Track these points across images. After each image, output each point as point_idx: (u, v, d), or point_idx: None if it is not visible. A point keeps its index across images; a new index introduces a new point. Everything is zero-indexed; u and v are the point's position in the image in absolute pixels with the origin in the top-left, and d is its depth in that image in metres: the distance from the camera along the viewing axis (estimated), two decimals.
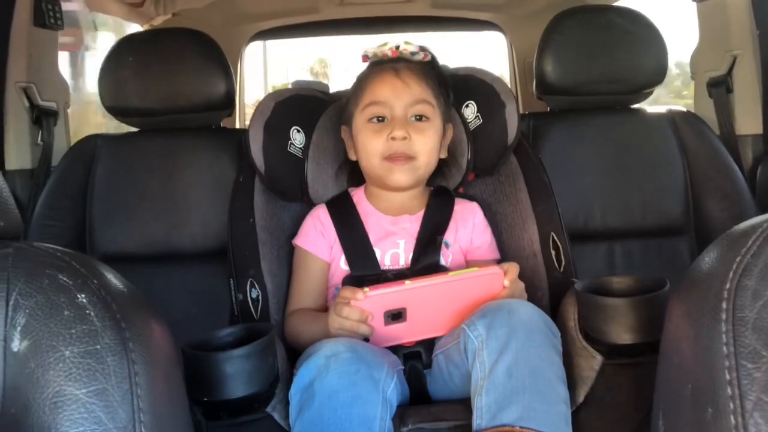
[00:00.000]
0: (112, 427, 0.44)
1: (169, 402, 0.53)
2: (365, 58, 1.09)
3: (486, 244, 1.11)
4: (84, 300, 0.48)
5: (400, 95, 1.03)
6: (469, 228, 1.10)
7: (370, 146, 1.04)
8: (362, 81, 1.08)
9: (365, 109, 1.05)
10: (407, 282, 0.87)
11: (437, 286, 0.88)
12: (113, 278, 0.53)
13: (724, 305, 0.46)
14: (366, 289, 0.86)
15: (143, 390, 0.47)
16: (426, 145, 1.04)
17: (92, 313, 0.47)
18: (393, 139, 1.01)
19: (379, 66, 1.07)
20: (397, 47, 1.06)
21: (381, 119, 1.04)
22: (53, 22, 1.46)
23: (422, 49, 1.07)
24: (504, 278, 0.89)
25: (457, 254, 1.09)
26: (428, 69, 1.08)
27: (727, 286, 0.47)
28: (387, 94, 1.03)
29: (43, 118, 1.48)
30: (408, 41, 1.07)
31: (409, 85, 1.03)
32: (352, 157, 1.10)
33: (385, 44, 1.07)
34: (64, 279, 0.48)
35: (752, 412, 0.42)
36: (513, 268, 0.92)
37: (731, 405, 0.43)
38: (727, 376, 0.44)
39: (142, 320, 0.52)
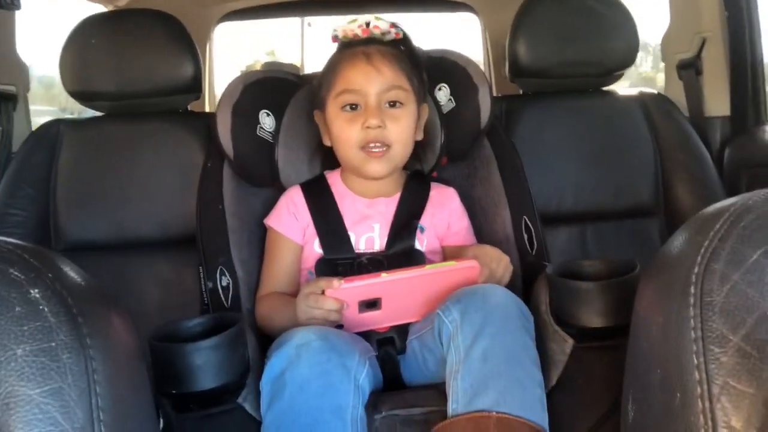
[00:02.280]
0: (69, 428, 0.42)
1: (132, 397, 0.52)
2: (335, 38, 1.07)
3: (464, 229, 1.11)
4: (37, 295, 0.45)
5: (373, 82, 1.00)
6: (445, 213, 1.10)
7: (345, 135, 1.02)
8: (333, 66, 1.05)
9: (338, 97, 1.02)
10: (383, 274, 0.86)
11: (413, 279, 0.88)
12: (70, 271, 0.51)
13: (692, 289, 0.46)
14: (341, 280, 0.85)
15: (103, 387, 0.45)
16: (402, 134, 1.02)
17: (46, 309, 0.45)
18: (368, 128, 0.99)
19: (350, 50, 1.04)
20: (368, 24, 1.03)
21: (354, 107, 1.02)
22: (9, 2, 1.39)
23: (393, 25, 1.05)
24: (480, 270, 0.89)
25: (432, 239, 1.08)
26: (400, 50, 1.05)
27: (696, 270, 0.46)
28: (359, 81, 1.00)
29: (2, 102, 1.42)
30: (378, 16, 1.04)
31: (382, 70, 1.00)
32: (327, 143, 1.08)
33: (354, 20, 1.04)
34: (16, 273, 0.46)
35: (719, 396, 0.43)
36: (482, 257, 0.91)
37: (699, 390, 0.43)
38: (695, 361, 0.44)
39: (101, 314, 0.50)
